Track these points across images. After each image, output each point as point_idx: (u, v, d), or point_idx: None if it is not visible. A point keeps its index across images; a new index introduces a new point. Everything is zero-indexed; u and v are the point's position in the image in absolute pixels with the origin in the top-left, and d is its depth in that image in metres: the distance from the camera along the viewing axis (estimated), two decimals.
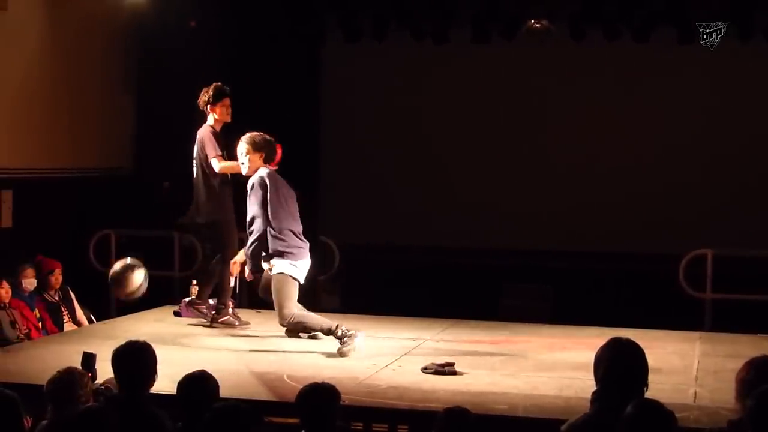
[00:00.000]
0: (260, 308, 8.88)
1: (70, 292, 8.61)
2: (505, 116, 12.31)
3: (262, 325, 8.20)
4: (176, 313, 8.33)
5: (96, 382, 5.15)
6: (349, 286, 9.52)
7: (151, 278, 8.27)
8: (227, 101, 7.93)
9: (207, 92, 7.90)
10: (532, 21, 11.15)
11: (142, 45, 11.35)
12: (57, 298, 8.47)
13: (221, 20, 11.47)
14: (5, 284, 7.86)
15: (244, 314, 8.60)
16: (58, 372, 4.77)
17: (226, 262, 7.81)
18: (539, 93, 12.20)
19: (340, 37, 11.68)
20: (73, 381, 4.70)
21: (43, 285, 8.39)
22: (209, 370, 4.91)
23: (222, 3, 11.47)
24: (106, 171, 10.70)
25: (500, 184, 12.28)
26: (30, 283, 8.23)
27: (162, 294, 8.92)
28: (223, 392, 4.77)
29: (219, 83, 7.95)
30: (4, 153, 9.65)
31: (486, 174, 12.32)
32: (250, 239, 7.24)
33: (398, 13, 11.26)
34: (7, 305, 7.84)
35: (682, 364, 6.89)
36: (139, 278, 7.50)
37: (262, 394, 5.84)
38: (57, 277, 8.47)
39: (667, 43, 10.94)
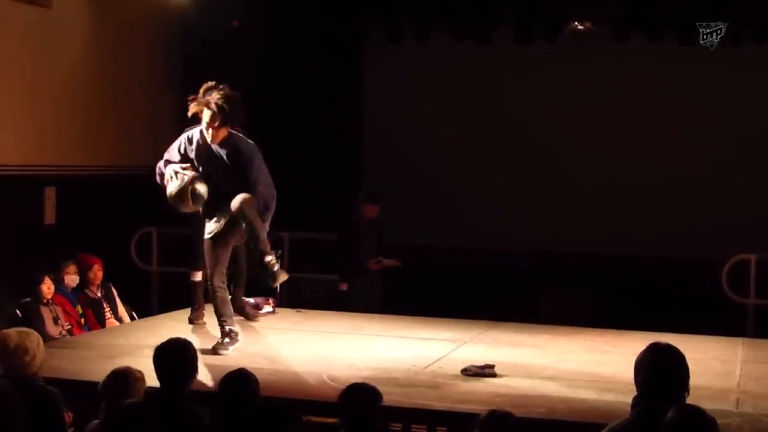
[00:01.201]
0: (300, 308, 8.91)
1: (113, 289, 8.66)
2: (546, 118, 12.25)
3: (301, 325, 8.22)
4: None
5: None
6: (388, 287, 9.51)
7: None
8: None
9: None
10: (575, 23, 11.10)
11: (185, 44, 11.42)
12: (99, 295, 8.52)
13: (264, 20, 11.52)
14: (48, 280, 7.91)
15: (284, 313, 8.61)
16: (114, 371, 4.80)
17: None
18: (581, 95, 12.13)
19: (382, 37, 11.69)
20: (127, 382, 4.72)
21: (85, 281, 8.46)
22: (248, 368, 4.93)
23: (264, 3, 11.52)
24: (149, 169, 10.74)
25: (543, 186, 12.21)
26: (72, 279, 8.29)
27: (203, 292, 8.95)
28: (262, 391, 4.79)
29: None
30: (48, 150, 9.75)
31: (528, 176, 12.26)
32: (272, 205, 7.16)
33: (440, 14, 11.25)
34: (50, 301, 7.90)
35: (724, 369, 6.81)
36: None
37: (302, 394, 5.84)
38: (96, 273, 8.49)
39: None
